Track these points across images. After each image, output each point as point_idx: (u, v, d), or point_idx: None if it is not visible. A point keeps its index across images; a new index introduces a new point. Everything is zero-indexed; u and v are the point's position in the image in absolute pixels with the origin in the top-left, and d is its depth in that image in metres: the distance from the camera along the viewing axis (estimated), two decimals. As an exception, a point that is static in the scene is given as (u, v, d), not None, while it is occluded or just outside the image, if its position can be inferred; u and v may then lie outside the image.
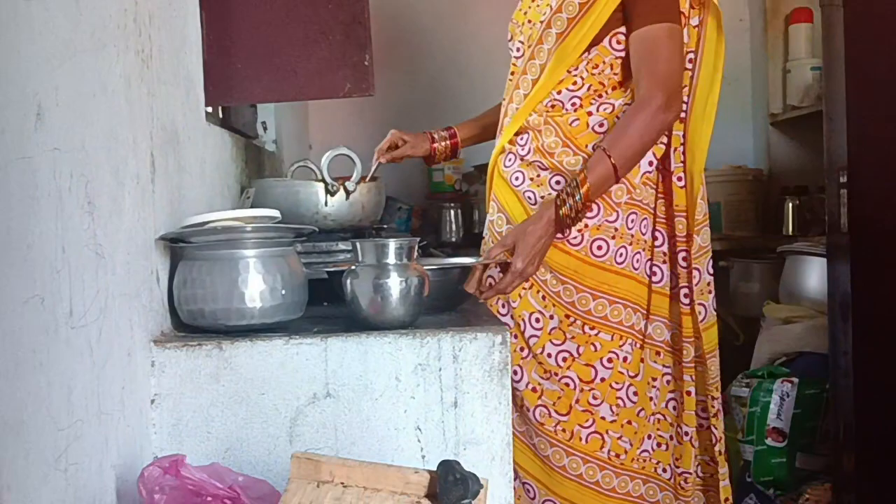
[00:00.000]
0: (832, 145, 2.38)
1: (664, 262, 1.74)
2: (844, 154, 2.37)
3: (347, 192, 1.79)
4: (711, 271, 1.77)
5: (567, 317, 1.68)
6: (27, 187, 0.84)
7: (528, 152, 1.73)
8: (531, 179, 1.73)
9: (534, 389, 1.69)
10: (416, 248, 1.33)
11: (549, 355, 1.68)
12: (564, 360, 1.68)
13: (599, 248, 1.68)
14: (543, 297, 1.70)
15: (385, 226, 1.95)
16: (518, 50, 1.81)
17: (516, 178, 1.75)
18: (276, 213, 1.31)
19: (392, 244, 1.29)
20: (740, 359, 2.87)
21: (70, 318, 0.92)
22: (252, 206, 1.68)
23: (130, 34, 1.18)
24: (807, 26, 3.47)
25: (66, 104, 0.93)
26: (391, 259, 1.28)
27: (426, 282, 1.32)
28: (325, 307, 1.55)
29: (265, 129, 2.47)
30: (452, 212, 3.34)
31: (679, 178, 1.72)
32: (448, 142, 2.06)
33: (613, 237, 1.68)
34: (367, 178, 1.87)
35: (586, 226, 1.67)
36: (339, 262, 1.67)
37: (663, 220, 1.74)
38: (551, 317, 1.69)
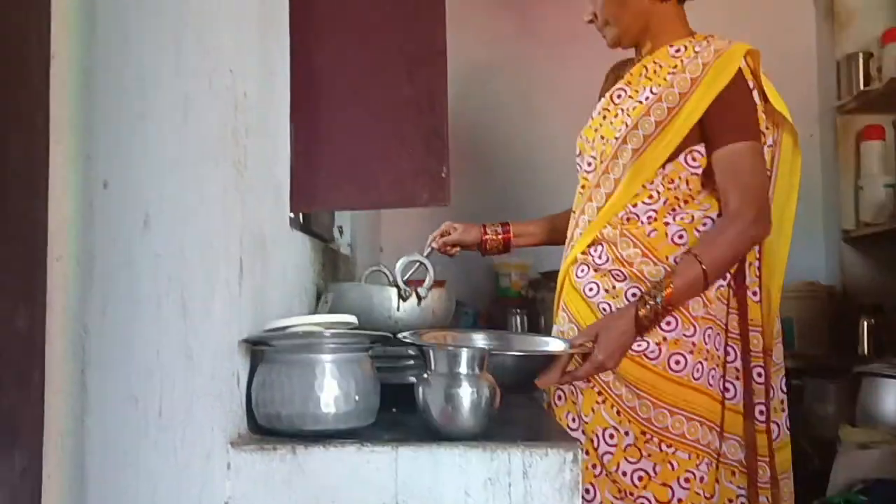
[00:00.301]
0: None
1: (737, 378, 1.71)
2: None
3: (419, 298, 1.82)
4: (785, 389, 1.74)
5: (643, 433, 1.66)
6: (133, 289, 0.89)
7: (605, 262, 1.75)
8: (606, 291, 1.73)
9: None
10: (487, 358, 1.34)
11: (625, 473, 1.65)
12: (640, 479, 1.65)
13: (677, 362, 1.66)
14: (618, 412, 1.68)
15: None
16: (590, 165, 1.85)
17: (590, 289, 1.75)
18: (353, 318, 1.34)
19: (464, 353, 1.30)
20: (815, 484, 2.75)
21: (159, 419, 0.95)
22: (329, 311, 1.72)
23: (229, 146, 1.25)
24: (879, 143, 3.46)
25: (169, 212, 0.99)
26: (463, 369, 1.29)
27: (497, 392, 1.32)
28: (395, 413, 1.55)
29: (341, 232, 2.55)
30: (518, 318, 3.34)
31: (754, 293, 1.72)
32: (500, 235, 2.08)
33: (691, 352, 1.67)
34: (427, 271, 1.86)
35: (664, 339, 1.66)
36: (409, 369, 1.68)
37: (736, 336, 1.73)
38: (626, 433, 1.66)
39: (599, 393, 1.70)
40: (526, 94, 3.64)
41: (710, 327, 1.69)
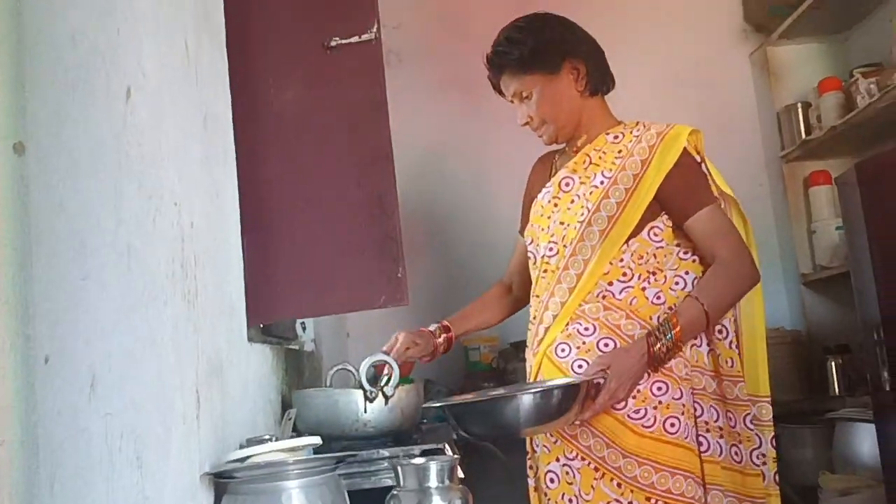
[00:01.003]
0: (864, 304, 2.40)
1: (721, 436, 1.77)
2: (877, 312, 2.39)
3: (386, 398, 1.82)
4: (774, 445, 1.82)
5: (648, 499, 1.69)
6: (81, 457, 0.88)
7: (592, 333, 1.79)
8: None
9: None
10: (457, 467, 1.34)
11: None
12: None
13: (672, 425, 1.72)
14: (619, 485, 1.70)
15: (424, 422, 1.94)
16: (551, 250, 1.90)
17: (578, 366, 1.79)
18: (316, 440, 1.33)
19: (433, 466, 1.29)
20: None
21: (119, 583, 0.93)
22: (294, 421, 1.70)
23: (178, 280, 1.25)
24: (826, 189, 3.54)
25: (117, 368, 0.98)
26: (433, 482, 1.29)
27: (470, 500, 1.31)
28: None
29: (304, 328, 2.54)
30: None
31: (731, 343, 1.82)
32: (444, 336, 2.08)
33: (682, 413, 1.73)
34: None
35: (660, 404, 1.73)
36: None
37: (700, 391, 1.77)
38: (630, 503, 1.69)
39: (596, 469, 1.73)
40: (477, 173, 3.69)
41: (694, 388, 1.77)
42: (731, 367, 1.81)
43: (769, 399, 1.85)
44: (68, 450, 0.85)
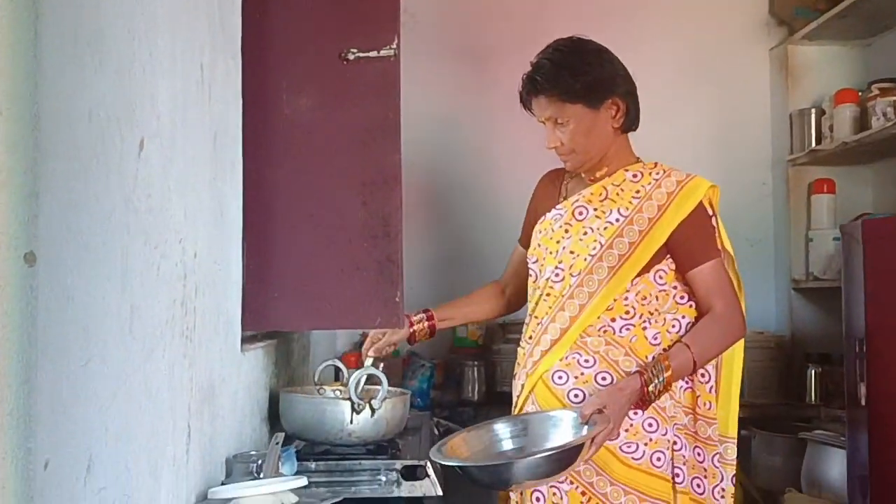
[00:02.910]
0: (850, 316, 2.46)
1: (683, 463, 1.84)
2: (863, 326, 2.45)
3: (373, 410, 1.84)
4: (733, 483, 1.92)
5: None
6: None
7: (592, 365, 1.85)
8: (591, 395, 1.82)
9: None
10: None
11: None
12: None
13: (658, 459, 1.82)
14: None
15: (401, 442, 1.97)
16: (557, 275, 1.92)
17: (575, 396, 1.84)
18: (302, 481, 1.34)
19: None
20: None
21: None
22: (281, 431, 1.72)
23: (177, 320, 1.24)
24: (829, 197, 3.53)
25: (113, 441, 0.98)
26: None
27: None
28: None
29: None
30: (475, 369, 3.36)
31: (711, 388, 1.89)
32: (426, 323, 2.12)
33: (668, 448, 1.83)
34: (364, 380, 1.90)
35: (650, 440, 1.82)
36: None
37: (691, 433, 1.87)
38: None
39: (584, 493, 1.82)
40: (483, 146, 3.65)
41: (676, 423, 1.86)
42: (709, 409, 1.89)
43: (735, 440, 1.93)
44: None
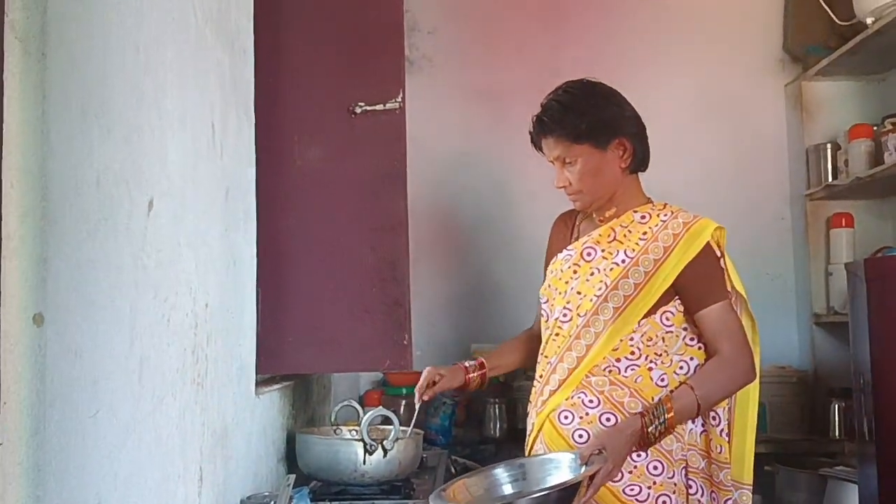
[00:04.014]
0: (857, 351, 2.46)
1: None
2: (868, 360, 2.45)
3: (385, 451, 1.88)
4: None
5: None
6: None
7: (596, 405, 1.86)
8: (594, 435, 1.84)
9: None
10: None
11: None
12: None
13: (664, 503, 1.81)
14: None
15: (416, 482, 2.00)
16: (565, 316, 1.95)
17: (579, 436, 1.86)
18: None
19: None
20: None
21: None
22: (298, 471, 1.76)
23: (188, 368, 1.30)
24: (847, 231, 3.52)
25: (123, 485, 1.04)
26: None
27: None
28: None
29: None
30: (497, 407, 3.39)
31: (722, 431, 1.88)
32: (478, 372, 2.14)
33: (674, 492, 1.82)
34: (412, 424, 1.96)
35: (654, 483, 1.81)
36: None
37: (695, 469, 1.86)
38: None
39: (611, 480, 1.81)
40: (502, 184, 3.70)
41: (685, 467, 1.86)
42: (720, 453, 1.88)
43: (751, 487, 1.92)
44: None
